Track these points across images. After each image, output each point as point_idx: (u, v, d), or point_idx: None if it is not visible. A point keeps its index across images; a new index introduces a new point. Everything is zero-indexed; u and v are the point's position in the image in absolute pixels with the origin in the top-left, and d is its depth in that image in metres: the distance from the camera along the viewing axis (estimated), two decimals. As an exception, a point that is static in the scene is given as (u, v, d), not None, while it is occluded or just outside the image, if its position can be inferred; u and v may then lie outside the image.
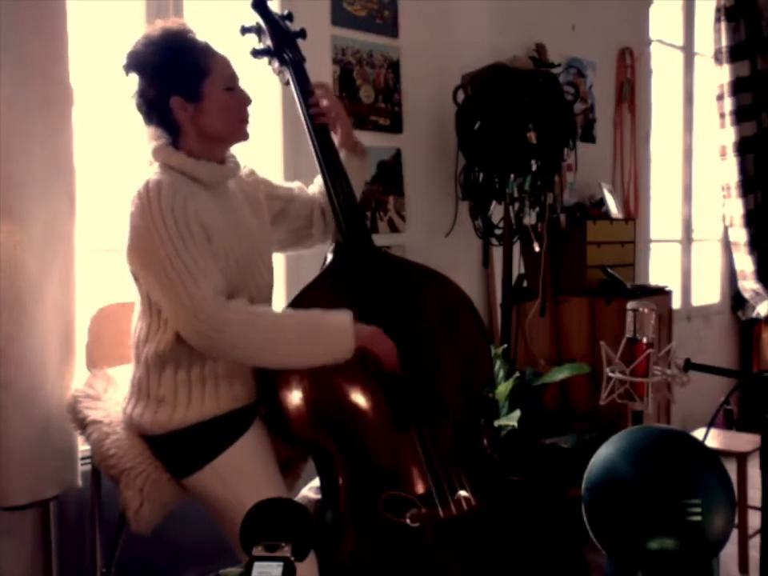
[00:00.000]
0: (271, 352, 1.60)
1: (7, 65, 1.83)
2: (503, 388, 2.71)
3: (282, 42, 1.96)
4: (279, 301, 1.91)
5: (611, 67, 4.06)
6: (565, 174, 3.41)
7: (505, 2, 3.40)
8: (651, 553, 1.51)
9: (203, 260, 1.59)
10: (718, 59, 4.71)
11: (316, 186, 2.03)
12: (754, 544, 2.67)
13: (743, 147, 4.71)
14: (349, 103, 2.80)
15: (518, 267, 3.32)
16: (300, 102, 1.92)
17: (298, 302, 1.74)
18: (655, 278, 4.26)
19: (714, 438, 3.02)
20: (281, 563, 0.87)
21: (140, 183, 1.63)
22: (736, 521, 2.32)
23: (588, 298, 3.35)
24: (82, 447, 1.99)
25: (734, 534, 2.43)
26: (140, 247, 1.61)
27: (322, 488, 1.77)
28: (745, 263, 4.79)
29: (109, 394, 1.87)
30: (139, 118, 1.73)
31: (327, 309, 1.65)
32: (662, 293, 3.56)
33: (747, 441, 2.96)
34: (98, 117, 2.28)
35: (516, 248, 3.24)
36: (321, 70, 2.65)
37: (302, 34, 2.00)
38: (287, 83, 1.97)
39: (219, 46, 1.73)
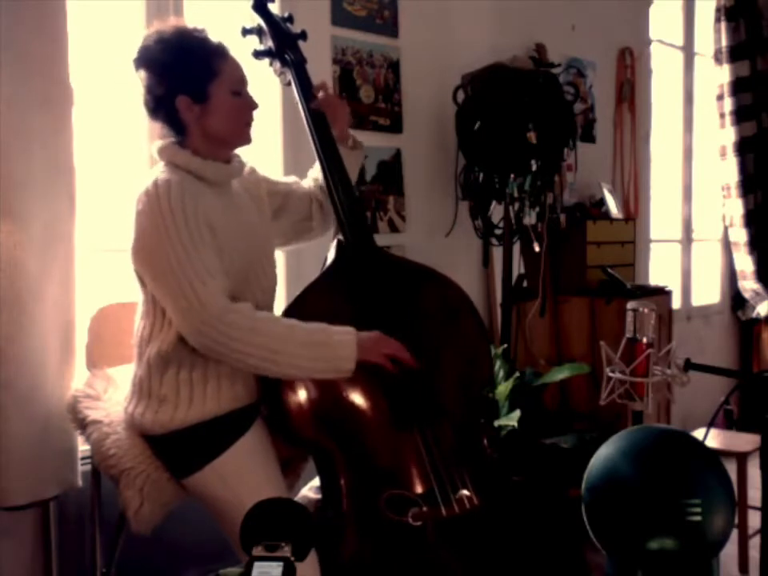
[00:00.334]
0: (271, 361, 1.59)
1: (7, 64, 1.83)
2: (503, 388, 2.71)
3: (283, 43, 1.96)
4: (279, 300, 1.91)
5: (611, 67, 4.06)
6: (565, 174, 3.41)
7: (505, 2, 3.40)
8: (651, 553, 1.51)
9: (211, 260, 1.59)
10: (717, 59, 4.71)
11: (310, 179, 2.04)
12: (754, 544, 2.68)
13: (743, 147, 4.71)
14: (349, 103, 2.80)
15: (518, 267, 3.32)
16: (301, 103, 1.92)
17: (300, 301, 1.74)
18: (655, 278, 4.27)
19: (713, 438, 3.02)
20: (281, 563, 0.87)
21: (148, 181, 1.63)
22: (736, 521, 2.33)
23: (588, 297, 3.35)
24: (82, 447, 1.98)
25: (734, 534, 2.43)
26: (148, 245, 1.61)
27: (323, 488, 1.77)
28: (745, 263, 4.79)
29: (109, 394, 1.87)
30: (144, 114, 1.74)
31: (328, 308, 1.66)
32: (662, 293, 3.56)
33: (747, 441, 2.96)
34: (98, 117, 2.28)
35: (516, 248, 3.24)
36: (321, 70, 2.65)
37: (303, 35, 2.01)
38: (288, 84, 1.98)
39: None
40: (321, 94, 1.93)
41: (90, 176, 2.17)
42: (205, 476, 1.66)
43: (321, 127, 1.90)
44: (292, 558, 0.89)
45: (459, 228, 3.16)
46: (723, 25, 4.65)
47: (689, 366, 1.80)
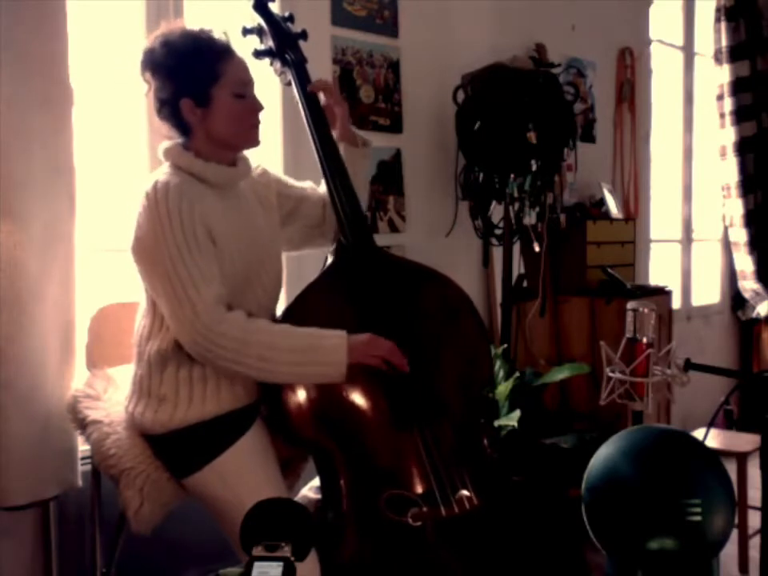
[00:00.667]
0: (262, 369, 1.60)
1: (7, 64, 1.83)
2: (503, 388, 2.71)
3: (283, 43, 1.96)
4: (280, 301, 1.91)
5: (611, 67, 4.06)
6: (565, 174, 3.41)
7: (505, 2, 3.40)
8: (651, 553, 1.51)
9: (207, 266, 1.60)
10: (718, 59, 4.71)
11: (324, 186, 2.03)
12: (754, 544, 2.67)
13: (743, 147, 4.71)
14: (349, 103, 2.80)
15: (518, 267, 3.32)
16: (302, 103, 1.92)
17: (300, 301, 1.74)
18: (655, 278, 4.27)
19: (713, 438, 3.02)
20: (281, 563, 0.87)
21: (149, 183, 1.63)
22: (736, 521, 2.32)
23: (588, 297, 3.35)
24: (82, 447, 1.98)
25: (734, 534, 2.43)
26: (144, 248, 1.62)
27: (323, 488, 1.77)
28: (745, 263, 4.79)
29: (109, 394, 1.87)
30: (150, 114, 1.75)
31: (328, 309, 1.65)
32: (662, 293, 3.56)
33: (747, 441, 2.96)
34: (98, 117, 2.28)
35: (516, 248, 3.25)
36: (321, 69, 2.65)
37: (304, 35, 2.00)
38: (288, 84, 1.98)
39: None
40: (322, 96, 1.92)
41: (90, 176, 2.17)
42: (205, 476, 1.66)
43: (321, 127, 1.90)
44: (292, 558, 0.89)
45: (459, 228, 3.16)
46: (723, 25, 4.65)
47: (689, 366, 1.80)
